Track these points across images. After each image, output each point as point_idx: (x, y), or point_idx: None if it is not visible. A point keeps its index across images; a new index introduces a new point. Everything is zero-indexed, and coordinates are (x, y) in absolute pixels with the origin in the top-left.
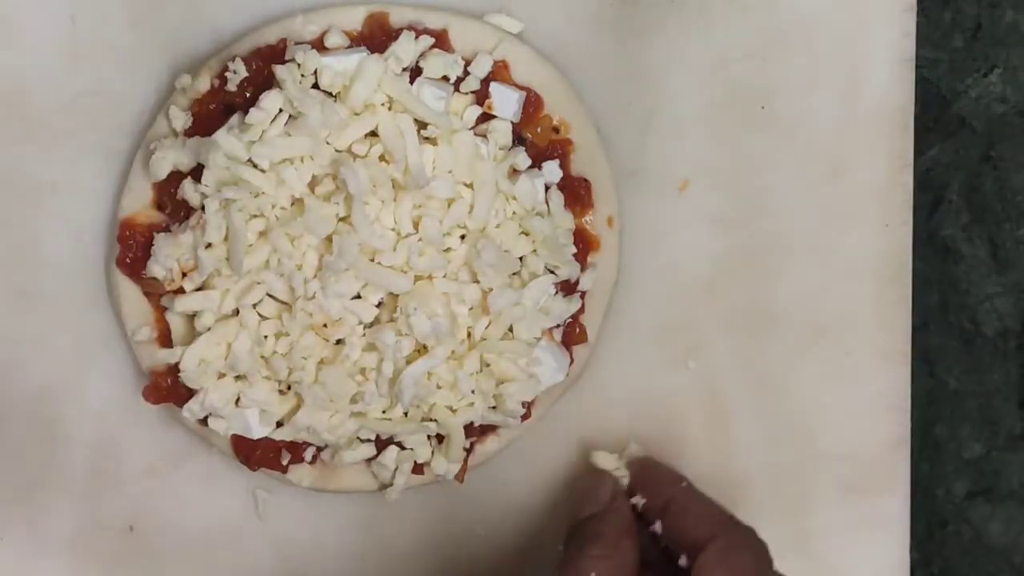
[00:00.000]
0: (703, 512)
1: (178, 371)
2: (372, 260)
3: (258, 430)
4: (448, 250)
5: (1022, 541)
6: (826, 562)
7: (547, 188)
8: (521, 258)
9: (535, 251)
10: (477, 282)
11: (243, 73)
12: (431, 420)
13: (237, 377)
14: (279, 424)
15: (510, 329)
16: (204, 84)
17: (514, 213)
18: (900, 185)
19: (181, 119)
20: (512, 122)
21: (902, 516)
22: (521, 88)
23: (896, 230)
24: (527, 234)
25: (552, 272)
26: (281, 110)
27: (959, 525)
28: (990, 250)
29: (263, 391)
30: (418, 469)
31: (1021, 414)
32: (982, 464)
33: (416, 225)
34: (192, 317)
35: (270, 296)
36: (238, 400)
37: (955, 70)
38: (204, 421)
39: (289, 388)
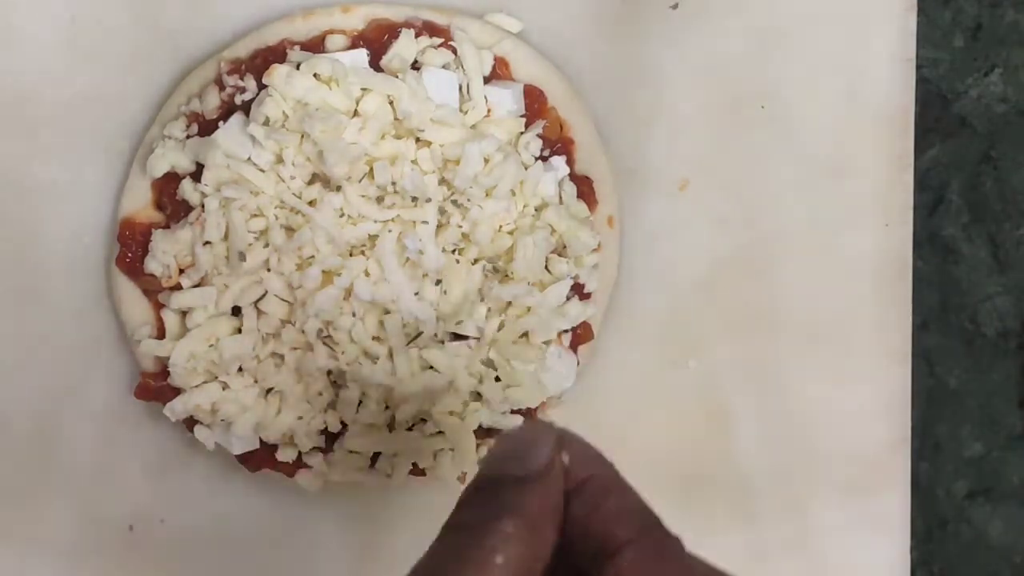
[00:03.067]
0: (628, 504)
1: (168, 372)
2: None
3: (238, 446)
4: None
5: (1022, 541)
6: (826, 562)
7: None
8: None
9: (556, 252)
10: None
11: (253, 90)
12: (438, 432)
13: (223, 387)
14: (263, 442)
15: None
16: (213, 101)
17: (531, 207)
18: (900, 185)
19: (181, 128)
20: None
21: (902, 516)
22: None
23: (896, 230)
24: (551, 229)
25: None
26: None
27: (959, 525)
28: (990, 250)
29: (247, 395)
30: (418, 471)
31: (1021, 414)
32: (982, 464)
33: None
34: (185, 315)
35: (275, 296)
36: (219, 409)
37: (955, 70)
38: (191, 428)
39: (271, 391)
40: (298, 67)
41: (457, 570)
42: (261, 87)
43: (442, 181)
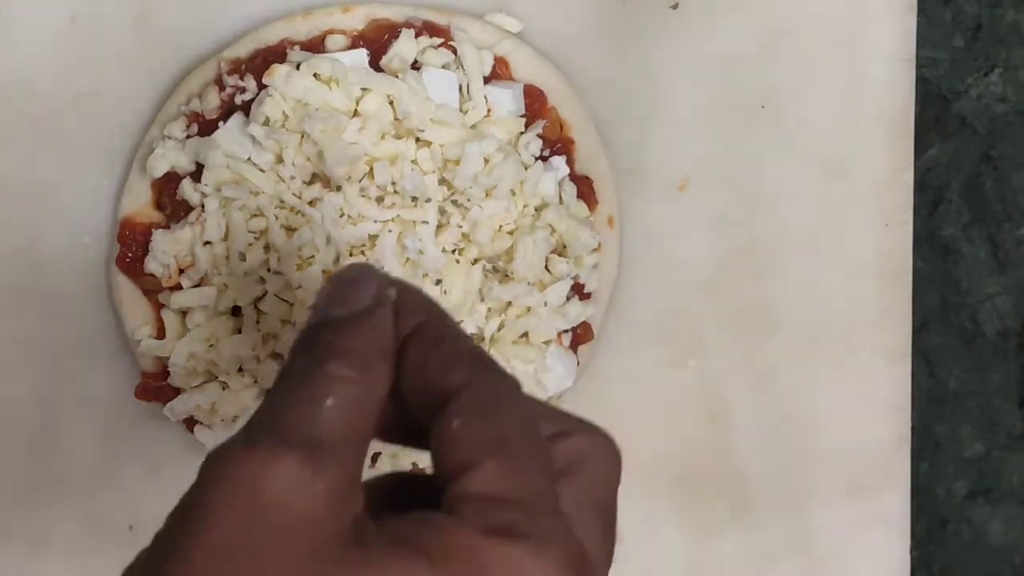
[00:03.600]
0: (460, 349)
1: (168, 372)
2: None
3: None
4: (460, 251)
5: (1022, 541)
6: (826, 562)
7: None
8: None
9: (556, 252)
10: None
11: (253, 90)
12: None
13: (223, 387)
14: None
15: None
16: (213, 101)
17: (531, 207)
18: (900, 185)
19: (181, 128)
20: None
21: (902, 516)
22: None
23: (896, 230)
24: (551, 229)
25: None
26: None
27: (959, 525)
28: (990, 250)
29: (247, 395)
30: (418, 471)
31: (1021, 414)
32: (982, 464)
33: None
34: (185, 315)
35: (275, 296)
36: (219, 409)
37: (955, 70)
38: (191, 428)
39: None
40: (298, 67)
41: (287, 417)
42: (261, 87)
43: (442, 181)
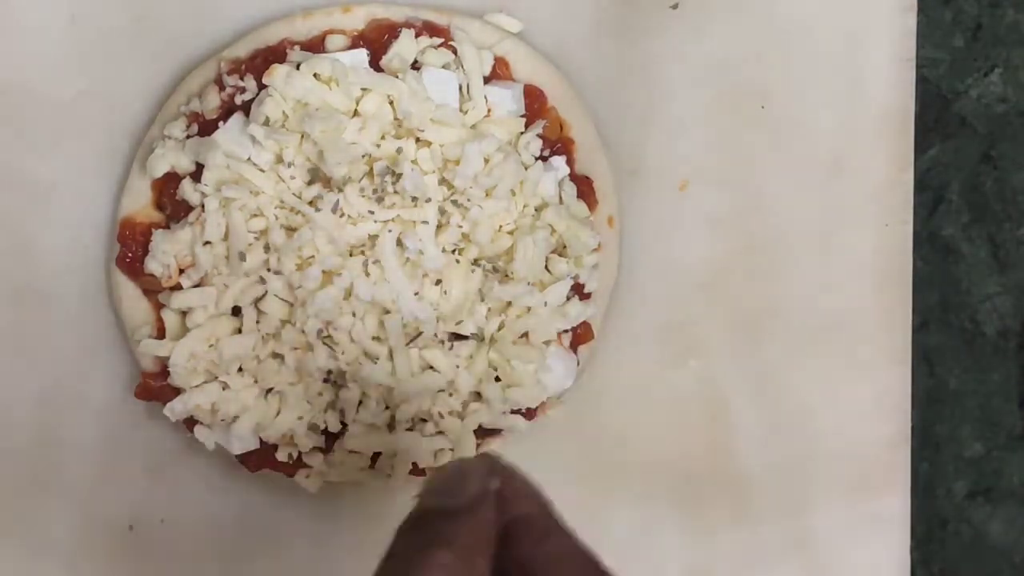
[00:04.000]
0: (570, 548)
1: (168, 371)
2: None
3: (238, 446)
4: (460, 250)
5: (1022, 541)
6: (826, 562)
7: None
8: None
9: (556, 252)
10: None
11: (253, 90)
12: (438, 432)
13: (224, 387)
14: (263, 442)
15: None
16: (213, 101)
17: (531, 207)
18: (900, 185)
19: (181, 128)
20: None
21: (902, 516)
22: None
23: (896, 229)
24: (551, 229)
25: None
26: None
27: (959, 525)
28: (990, 250)
29: (247, 395)
30: (418, 471)
31: (1021, 414)
32: (982, 464)
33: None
34: (185, 315)
35: (275, 296)
36: (219, 409)
37: (955, 70)
38: (191, 428)
39: (271, 391)
40: (298, 67)
41: None
42: (261, 87)
43: (442, 181)
